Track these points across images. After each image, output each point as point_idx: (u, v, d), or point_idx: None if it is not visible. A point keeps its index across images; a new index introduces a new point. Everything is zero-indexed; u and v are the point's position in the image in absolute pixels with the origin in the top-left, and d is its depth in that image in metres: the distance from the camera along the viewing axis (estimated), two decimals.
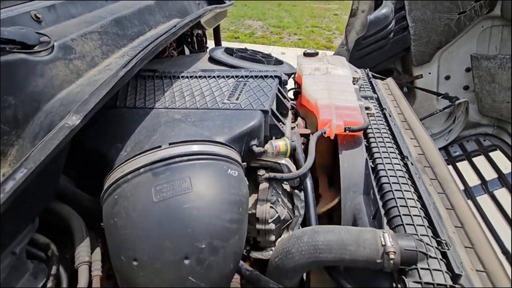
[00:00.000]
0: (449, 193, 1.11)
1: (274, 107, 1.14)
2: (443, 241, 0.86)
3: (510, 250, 1.79)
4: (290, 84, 1.92)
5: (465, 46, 2.38)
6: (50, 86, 0.80)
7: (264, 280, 0.86)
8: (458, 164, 2.39)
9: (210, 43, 2.57)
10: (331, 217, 1.46)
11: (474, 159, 2.37)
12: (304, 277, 1.12)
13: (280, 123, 1.08)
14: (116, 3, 1.31)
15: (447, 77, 2.52)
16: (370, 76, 1.88)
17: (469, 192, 2.18)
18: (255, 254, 1.13)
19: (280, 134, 1.07)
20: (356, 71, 1.81)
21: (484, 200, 2.12)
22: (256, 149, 0.97)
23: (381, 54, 2.39)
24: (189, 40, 2.38)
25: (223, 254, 0.68)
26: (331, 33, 7.50)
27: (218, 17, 2.07)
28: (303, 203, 1.16)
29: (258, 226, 1.04)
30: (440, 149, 2.51)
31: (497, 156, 2.32)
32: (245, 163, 0.91)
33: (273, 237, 1.09)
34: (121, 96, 1.20)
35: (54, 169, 0.75)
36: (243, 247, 0.76)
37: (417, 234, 0.86)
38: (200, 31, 2.50)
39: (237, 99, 1.10)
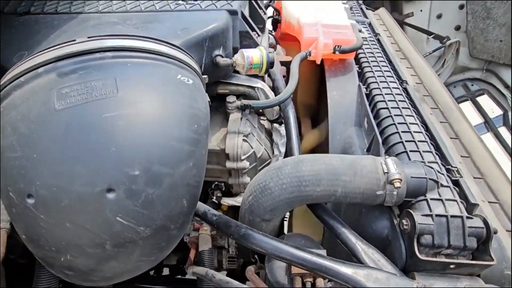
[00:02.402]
0: (452, 122, 0.95)
1: (246, 12, 0.88)
2: (454, 168, 0.70)
3: None
4: (269, 13, 1.63)
5: None
6: None
7: (235, 224, 0.67)
8: None
9: None
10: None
11: (461, 105, 2.26)
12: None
13: (254, 32, 0.83)
14: None
15: (439, 16, 2.31)
16: (361, 2, 1.62)
17: None
18: (227, 201, 0.95)
19: (253, 46, 0.82)
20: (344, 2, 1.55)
21: None
22: (222, 60, 0.73)
23: None
24: None
25: (169, 185, 0.47)
26: None
27: None
28: (283, 138, 0.96)
29: (229, 164, 0.84)
30: None
31: (484, 100, 2.22)
32: (206, 76, 0.67)
33: (247, 179, 0.90)
34: (37, 1, 0.88)
35: None
36: (202, 180, 0.56)
37: (424, 162, 0.69)
38: None
39: None
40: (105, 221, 0.44)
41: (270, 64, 0.77)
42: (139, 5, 0.82)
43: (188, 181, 0.51)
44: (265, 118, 1.02)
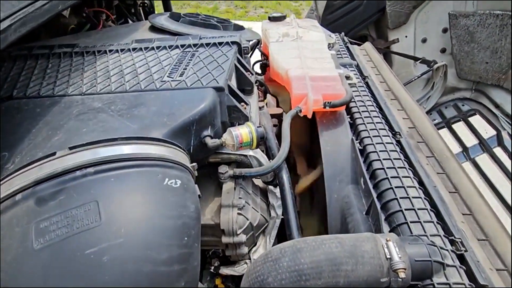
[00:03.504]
0: (450, 173, 0.93)
1: (233, 83, 0.87)
2: (457, 240, 0.67)
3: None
4: (257, 57, 1.64)
5: (442, 4, 2.20)
6: None
7: None
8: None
9: None
10: (312, 195, 1.27)
11: (454, 126, 2.28)
12: None
13: (242, 103, 0.82)
14: None
15: (424, 40, 2.35)
16: (346, 41, 1.64)
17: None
18: (225, 271, 0.91)
19: (242, 119, 0.81)
20: (330, 36, 1.57)
21: (466, 168, 2.02)
22: (211, 141, 0.71)
23: (355, 16, 2.16)
24: (132, 10, 1.99)
25: None
26: (298, 5, 7.14)
27: None
28: (279, 201, 0.93)
29: (225, 239, 0.81)
30: None
31: (477, 120, 2.24)
32: (194, 164, 0.65)
33: (245, 249, 0.86)
34: (21, 82, 0.87)
35: None
36: None
37: (426, 235, 0.67)
38: (147, 1, 2.11)
39: (181, 75, 0.81)
40: None
41: (261, 138, 0.75)
42: (124, 84, 0.81)
43: None
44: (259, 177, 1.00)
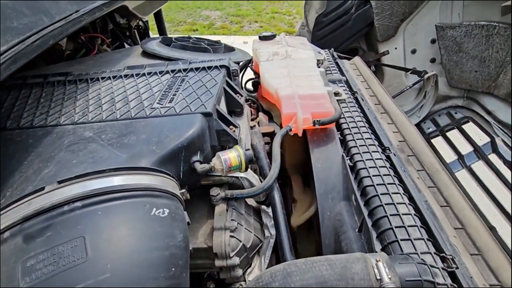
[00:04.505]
0: (441, 186, 0.94)
1: (222, 106, 0.89)
2: (448, 257, 0.67)
3: (495, 226, 1.71)
4: (249, 74, 1.67)
5: (428, 16, 2.26)
6: None
7: None
8: (433, 141, 2.30)
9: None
10: (311, 224, 1.26)
11: (448, 134, 2.29)
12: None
13: (231, 126, 0.83)
14: None
15: (413, 51, 2.40)
16: (336, 56, 1.68)
17: (447, 169, 2.09)
18: None
19: (232, 142, 0.82)
20: (319, 52, 1.60)
21: (462, 175, 2.04)
22: (200, 167, 0.72)
23: (344, 31, 2.21)
24: (127, 33, 2.04)
25: None
26: (292, 18, 7.31)
27: (155, 2, 1.76)
28: (272, 220, 0.93)
29: (218, 263, 0.81)
30: None
31: (470, 128, 2.25)
32: (184, 190, 0.66)
33: (239, 271, 0.86)
34: (15, 113, 0.89)
35: None
36: None
37: (417, 253, 0.67)
38: (141, 23, 2.16)
39: (171, 101, 0.83)
40: None
41: (250, 161, 0.76)
42: (115, 112, 0.82)
43: None
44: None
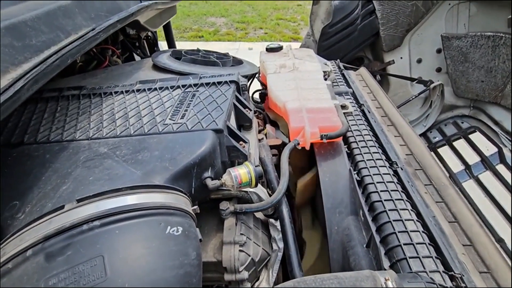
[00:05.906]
0: (448, 201, 0.94)
1: (232, 121, 0.91)
2: (457, 276, 0.68)
3: (503, 238, 1.70)
4: (256, 85, 1.70)
5: (434, 26, 2.27)
6: None
7: None
8: (440, 150, 2.30)
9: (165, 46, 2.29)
10: (314, 207, 1.24)
11: (455, 143, 2.28)
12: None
13: (241, 142, 0.85)
14: (16, 5, 1.01)
15: (419, 61, 2.41)
16: (342, 67, 1.70)
17: (454, 179, 2.08)
18: None
19: (241, 157, 0.84)
20: (326, 64, 1.62)
21: (470, 186, 2.03)
22: (211, 183, 0.74)
23: (350, 42, 2.23)
24: (137, 44, 2.08)
25: None
26: (296, 24, 7.37)
27: (164, 15, 1.80)
28: (280, 234, 0.94)
29: (227, 277, 0.82)
30: (419, 135, 2.40)
31: (477, 138, 2.24)
32: (196, 207, 0.68)
33: (248, 285, 0.87)
34: (31, 127, 0.92)
35: None
36: None
37: (425, 271, 0.68)
38: (150, 34, 2.21)
39: (182, 117, 0.86)
40: None
41: (259, 177, 0.78)
42: (128, 128, 0.85)
43: None
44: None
